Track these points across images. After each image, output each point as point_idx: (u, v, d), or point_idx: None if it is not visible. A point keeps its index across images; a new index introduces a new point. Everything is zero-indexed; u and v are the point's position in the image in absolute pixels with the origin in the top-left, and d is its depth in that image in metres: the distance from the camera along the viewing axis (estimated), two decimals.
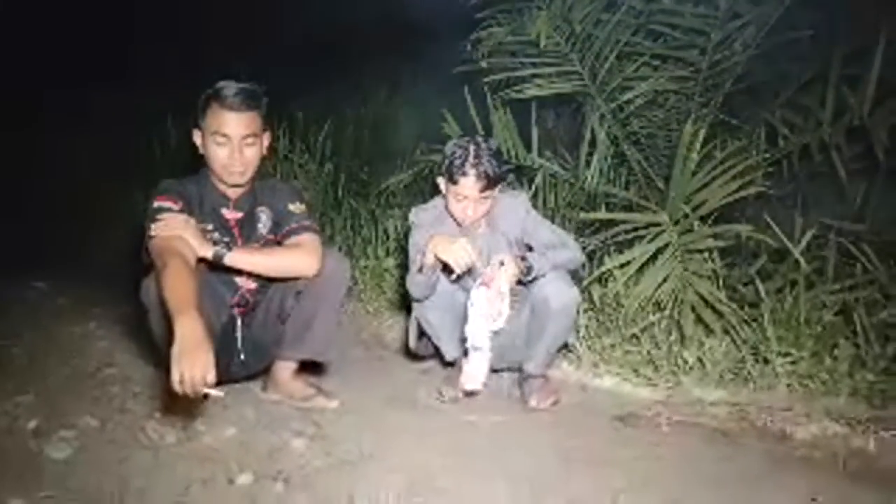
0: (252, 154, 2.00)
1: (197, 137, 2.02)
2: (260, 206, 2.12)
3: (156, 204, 1.92)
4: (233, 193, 2.08)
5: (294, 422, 2.08)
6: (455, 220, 2.25)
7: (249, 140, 1.98)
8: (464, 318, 2.05)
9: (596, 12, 2.88)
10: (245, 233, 2.09)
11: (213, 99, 1.95)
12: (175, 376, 1.54)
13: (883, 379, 2.09)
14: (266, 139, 2.07)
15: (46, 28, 6.73)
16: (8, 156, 5.80)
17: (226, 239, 2.01)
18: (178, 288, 1.69)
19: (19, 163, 5.91)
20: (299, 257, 2.00)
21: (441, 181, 2.25)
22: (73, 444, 1.90)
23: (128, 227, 4.54)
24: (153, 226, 1.87)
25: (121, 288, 2.97)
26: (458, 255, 2.01)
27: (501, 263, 2.04)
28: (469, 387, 2.06)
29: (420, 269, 2.13)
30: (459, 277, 2.11)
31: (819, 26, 2.90)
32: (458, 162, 2.12)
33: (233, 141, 1.96)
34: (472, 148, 2.13)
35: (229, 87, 1.94)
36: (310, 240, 2.04)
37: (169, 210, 1.91)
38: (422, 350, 2.47)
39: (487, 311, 1.99)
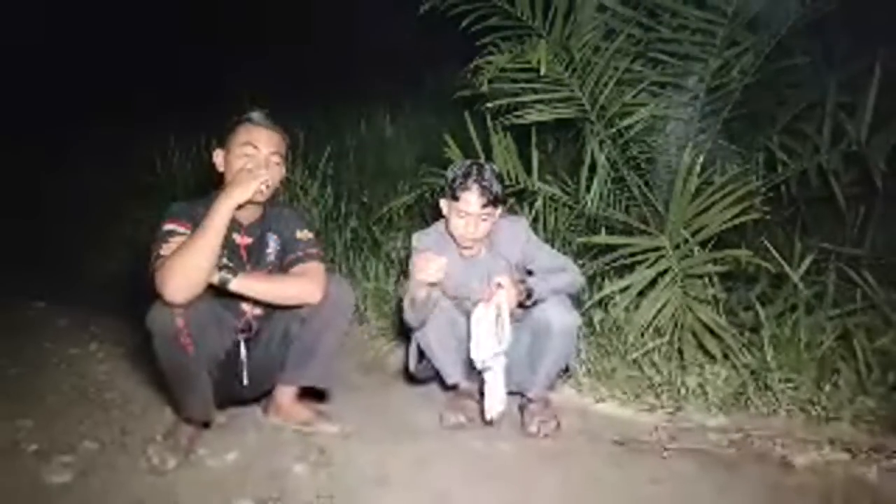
0: (275, 174, 2.04)
1: (218, 157, 2.06)
2: (269, 232, 2.13)
3: (166, 227, 1.92)
4: (244, 219, 2.08)
5: (296, 447, 2.08)
6: (456, 241, 2.27)
7: (275, 159, 2.04)
8: (466, 340, 2.06)
9: (595, 40, 2.92)
10: (254, 258, 2.10)
11: (244, 119, 2.04)
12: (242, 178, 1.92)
13: (884, 405, 2.09)
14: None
15: (50, 61, 6.90)
16: (9, 177, 5.85)
17: (232, 264, 2.01)
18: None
19: (20, 183, 5.96)
20: (304, 285, 2.01)
21: (443, 202, 2.29)
22: (73, 468, 1.90)
23: (129, 247, 4.57)
24: (162, 248, 1.88)
25: (121, 309, 2.98)
26: (426, 269, 2.05)
27: (499, 285, 2.06)
28: (489, 416, 2.06)
29: (412, 306, 2.17)
30: (435, 284, 2.13)
31: (815, 54, 2.95)
32: (460, 178, 2.19)
33: (260, 153, 2.01)
34: (475, 167, 2.21)
35: (261, 111, 2.06)
36: (315, 268, 2.05)
37: (179, 233, 1.91)
38: (422, 373, 2.47)
39: (489, 328, 1.99)
